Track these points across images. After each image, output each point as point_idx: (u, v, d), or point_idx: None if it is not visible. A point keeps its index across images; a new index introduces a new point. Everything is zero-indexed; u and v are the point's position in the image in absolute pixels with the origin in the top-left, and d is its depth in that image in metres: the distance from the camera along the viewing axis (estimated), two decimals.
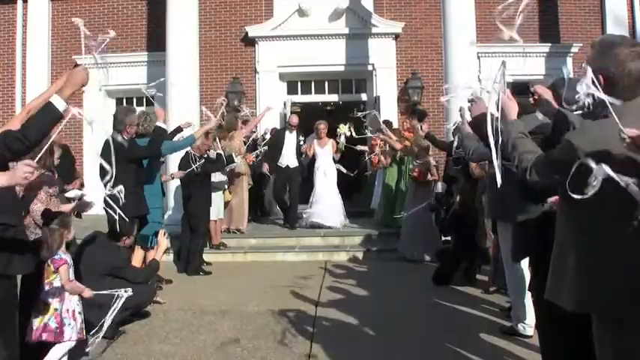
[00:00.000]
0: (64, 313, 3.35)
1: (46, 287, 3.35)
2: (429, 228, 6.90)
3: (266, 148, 8.16)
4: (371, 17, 10.33)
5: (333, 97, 11.20)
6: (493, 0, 10.34)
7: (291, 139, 8.40)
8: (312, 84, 11.04)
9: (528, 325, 3.91)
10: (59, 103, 2.40)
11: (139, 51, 10.62)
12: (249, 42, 10.53)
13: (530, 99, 3.04)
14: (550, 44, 10.31)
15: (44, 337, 3.27)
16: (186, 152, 6.44)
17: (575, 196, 1.63)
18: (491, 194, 3.97)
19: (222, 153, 6.84)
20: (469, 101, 2.62)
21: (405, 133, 7.98)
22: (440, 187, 6.96)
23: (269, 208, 9.37)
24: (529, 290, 3.52)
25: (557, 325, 2.71)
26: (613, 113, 1.68)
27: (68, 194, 4.03)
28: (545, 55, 10.28)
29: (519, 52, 10.01)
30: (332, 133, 8.80)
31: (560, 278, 1.96)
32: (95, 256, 4.22)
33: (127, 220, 3.43)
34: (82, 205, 3.94)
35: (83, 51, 2.80)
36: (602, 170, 1.56)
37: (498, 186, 2.05)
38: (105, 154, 4.54)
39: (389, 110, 10.03)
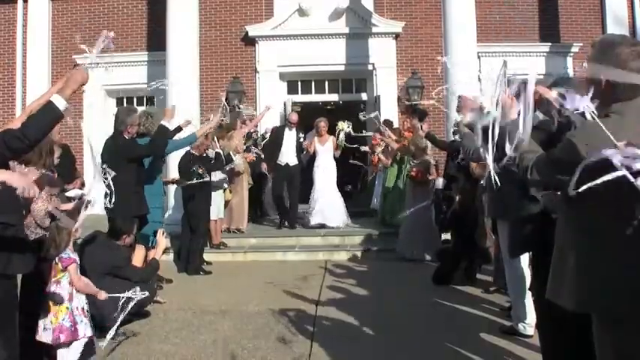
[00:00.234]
0: (75, 311, 3.36)
1: (54, 286, 3.34)
2: (428, 227, 6.90)
3: (262, 144, 8.13)
4: (371, 17, 10.33)
5: (334, 97, 11.20)
6: (493, 0, 10.38)
7: (290, 137, 8.36)
8: (313, 83, 11.04)
9: (529, 325, 3.91)
10: (60, 102, 2.39)
11: (139, 50, 10.61)
12: (250, 41, 10.53)
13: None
14: (550, 44, 10.32)
15: (62, 338, 3.26)
16: (186, 152, 6.45)
17: (578, 191, 1.62)
18: (491, 193, 3.97)
19: (220, 152, 6.85)
20: (458, 98, 2.61)
21: (405, 133, 7.98)
22: (440, 182, 6.95)
23: (267, 209, 9.30)
24: (529, 290, 3.52)
25: (558, 325, 2.71)
26: (603, 127, 1.67)
27: (69, 193, 4.03)
28: (545, 54, 10.29)
29: (520, 51, 10.08)
30: (332, 133, 8.79)
31: (561, 278, 1.96)
32: (95, 255, 4.22)
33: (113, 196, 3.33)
34: (82, 205, 3.94)
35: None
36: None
37: (493, 185, 2.04)
38: (105, 153, 4.55)
39: (389, 110, 10.03)
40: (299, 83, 11.02)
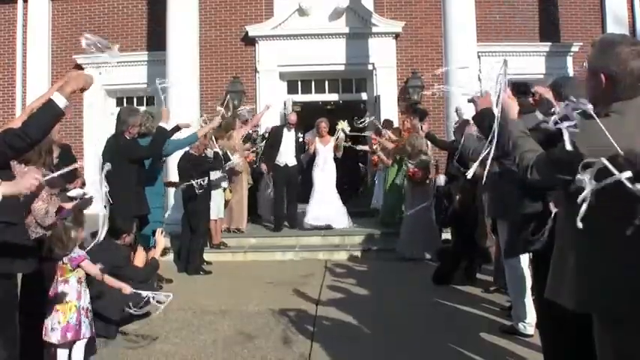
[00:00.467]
0: (81, 311, 3.36)
1: (62, 285, 3.34)
2: (428, 227, 6.90)
3: (262, 144, 8.11)
4: (371, 17, 10.33)
5: (334, 97, 11.20)
6: (493, 0, 10.38)
7: (289, 137, 8.33)
8: (313, 83, 11.03)
9: (529, 324, 3.91)
10: (60, 100, 2.39)
11: (139, 50, 10.61)
12: (250, 41, 10.53)
13: (530, 99, 3.04)
14: (550, 43, 10.33)
15: (69, 336, 3.26)
16: (185, 152, 6.46)
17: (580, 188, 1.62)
18: (491, 193, 3.97)
19: (219, 152, 6.85)
20: (469, 101, 2.62)
21: (405, 133, 7.98)
22: (442, 179, 6.94)
23: (262, 212, 9.06)
24: (531, 289, 3.52)
25: (558, 325, 2.71)
26: (603, 127, 1.67)
27: (70, 193, 4.03)
28: (545, 54, 10.29)
29: (520, 51, 10.09)
30: (332, 133, 8.78)
31: (561, 278, 1.96)
32: (95, 255, 4.21)
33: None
34: (83, 204, 3.94)
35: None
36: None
37: (483, 183, 2.05)
38: (107, 153, 4.55)
39: (389, 110, 10.03)
40: (299, 83, 11.02)
